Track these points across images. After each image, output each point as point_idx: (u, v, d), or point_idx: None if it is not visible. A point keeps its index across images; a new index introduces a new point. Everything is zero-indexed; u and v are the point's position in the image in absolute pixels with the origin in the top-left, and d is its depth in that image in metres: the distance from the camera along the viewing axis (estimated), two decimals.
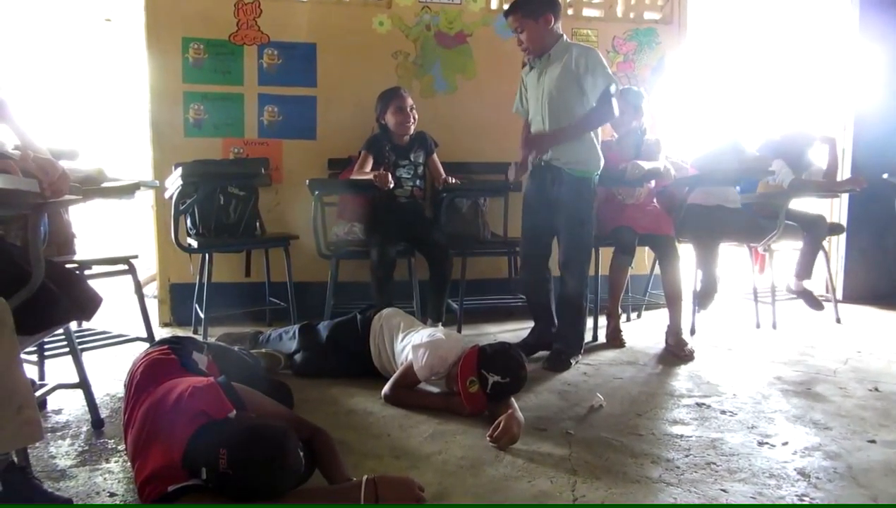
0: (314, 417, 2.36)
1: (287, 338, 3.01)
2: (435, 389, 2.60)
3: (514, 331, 3.75)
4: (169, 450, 1.58)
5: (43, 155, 1.75)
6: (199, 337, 3.18)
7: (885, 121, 4.79)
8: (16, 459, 1.63)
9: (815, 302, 4.09)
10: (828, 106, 5.08)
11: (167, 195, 3.49)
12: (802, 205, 4.23)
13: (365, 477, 1.62)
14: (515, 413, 2.27)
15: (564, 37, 3.19)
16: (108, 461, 2.00)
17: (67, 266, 2.43)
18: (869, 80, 4.85)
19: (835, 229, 4.36)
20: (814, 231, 3.98)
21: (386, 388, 2.57)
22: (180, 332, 3.71)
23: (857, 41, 4.90)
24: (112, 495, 1.78)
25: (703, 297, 3.72)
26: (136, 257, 3.00)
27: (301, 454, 1.57)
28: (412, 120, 3.65)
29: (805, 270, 4.07)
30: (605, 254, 3.60)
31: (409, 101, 3.65)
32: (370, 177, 3.39)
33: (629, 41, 4.53)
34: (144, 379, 1.89)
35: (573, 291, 3.14)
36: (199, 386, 1.75)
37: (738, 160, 3.84)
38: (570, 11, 4.44)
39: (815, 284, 4.71)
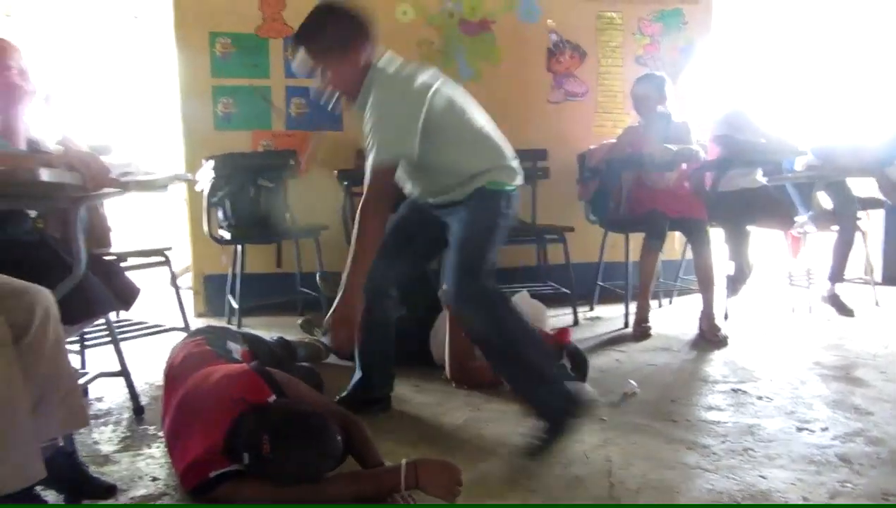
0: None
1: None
2: None
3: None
4: (209, 437, 1.61)
5: (83, 149, 1.78)
6: (234, 327, 3.23)
7: None
8: (62, 444, 1.68)
9: (844, 309, 3.78)
10: (870, 91, 4.94)
11: (199, 188, 3.54)
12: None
13: (405, 461, 1.63)
14: None
15: (378, 63, 2.12)
16: (149, 446, 2.04)
17: (105, 258, 2.49)
18: None
19: (874, 204, 4.15)
20: (843, 221, 3.80)
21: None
22: (214, 323, 3.77)
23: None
24: (154, 479, 1.82)
25: (735, 282, 3.67)
26: (170, 249, 3.05)
27: (339, 439, 1.59)
28: None
29: (838, 272, 3.81)
30: (636, 240, 3.57)
31: None
32: None
33: (655, 22, 4.47)
34: (180, 369, 1.93)
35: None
36: (235, 373, 1.79)
37: (757, 138, 3.72)
38: None
39: (853, 266, 4.62)
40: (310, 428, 1.55)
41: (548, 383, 1.97)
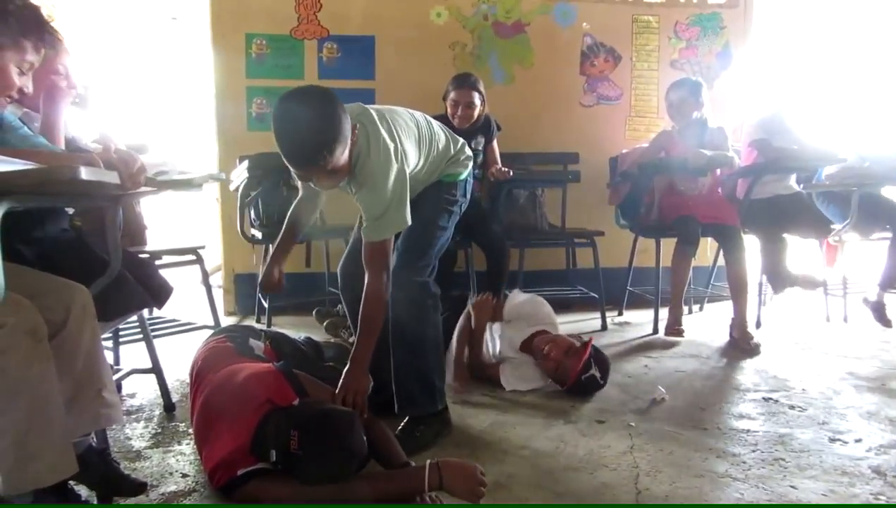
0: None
1: None
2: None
3: (574, 323, 3.71)
4: (237, 436, 1.64)
5: (121, 148, 1.82)
6: (258, 325, 3.26)
7: None
8: (94, 441, 1.71)
9: (884, 319, 3.61)
10: None
11: (233, 187, 3.59)
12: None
13: (429, 462, 1.63)
14: None
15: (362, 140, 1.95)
16: (179, 443, 2.08)
17: (140, 256, 2.53)
18: None
19: None
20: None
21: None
22: (245, 321, 3.83)
23: None
24: (184, 476, 1.85)
25: (775, 286, 3.60)
26: (203, 248, 3.10)
27: (365, 439, 1.60)
28: (466, 118, 3.46)
29: (890, 279, 3.59)
30: (667, 246, 3.52)
31: (472, 97, 3.44)
32: None
33: (692, 26, 4.41)
34: (205, 368, 1.96)
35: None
36: (261, 373, 1.81)
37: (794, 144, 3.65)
38: None
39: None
40: (338, 427, 1.56)
41: (430, 391, 2.13)
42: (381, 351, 2.19)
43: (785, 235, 3.64)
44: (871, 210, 3.57)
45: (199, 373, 1.97)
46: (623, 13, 4.33)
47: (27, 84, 1.59)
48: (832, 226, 3.64)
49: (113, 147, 1.68)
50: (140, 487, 1.65)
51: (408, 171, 2.02)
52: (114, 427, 2.09)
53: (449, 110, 3.51)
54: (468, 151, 2.35)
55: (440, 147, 2.23)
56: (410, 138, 2.10)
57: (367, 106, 2.04)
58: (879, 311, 3.62)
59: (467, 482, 1.62)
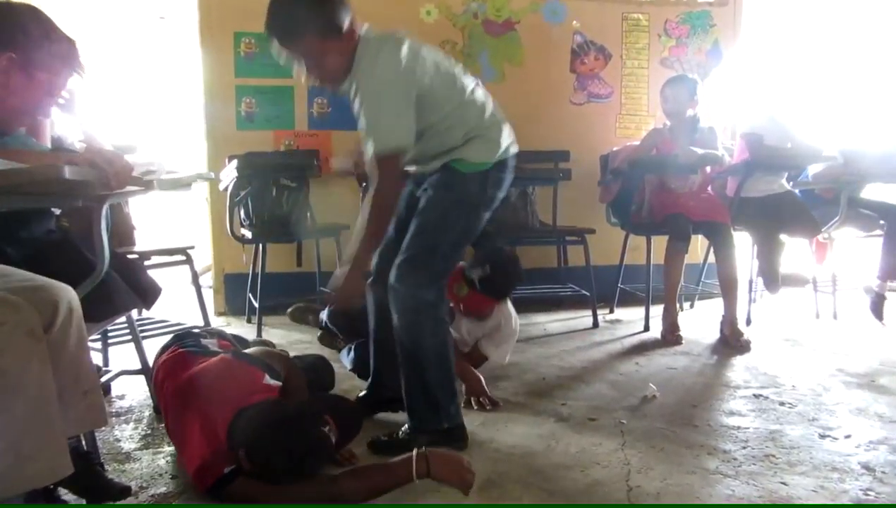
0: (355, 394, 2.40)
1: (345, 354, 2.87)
2: None
3: (565, 321, 3.72)
4: (214, 437, 1.64)
5: (106, 148, 1.81)
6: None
7: None
8: (84, 444, 1.69)
9: (879, 313, 3.66)
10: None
11: (222, 187, 3.58)
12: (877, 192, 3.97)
13: (415, 451, 1.63)
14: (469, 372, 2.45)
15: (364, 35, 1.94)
16: (169, 444, 2.06)
17: (128, 256, 2.52)
18: None
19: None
20: (892, 221, 3.72)
21: None
22: (234, 321, 3.81)
23: None
24: (174, 477, 1.84)
25: (771, 287, 3.63)
26: (192, 248, 3.08)
27: (327, 428, 1.60)
28: None
29: (890, 270, 3.64)
30: (658, 243, 3.53)
31: None
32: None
33: (682, 24, 4.42)
34: (166, 379, 1.94)
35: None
36: (221, 367, 1.84)
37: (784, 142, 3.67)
38: None
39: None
40: (283, 434, 1.56)
41: (434, 407, 1.99)
42: (381, 351, 2.19)
43: (779, 234, 3.66)
44: (860, 208, 3.61)
45: (162, 384, 1.94)
46: (613, 11, 4.34)
47: (51, 105, 1.66)
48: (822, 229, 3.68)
49: (98, 146, 1.66)
50: (123, 492, 1.64)
51: (427, 94, 1.90)
52: (102, 429, 2.08)
53: None
54: (506, 131, 2.06)
55: (477, 100, 2.01)
56: (442, 67, 1.96)
57: (401, 36, 1.91)
58: (878, 303, 3.67)
59: (454, 472, 1.61)
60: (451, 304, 2.47)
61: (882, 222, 3.73)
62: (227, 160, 3.63)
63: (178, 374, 1.89)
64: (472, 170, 1.99)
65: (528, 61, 4.25)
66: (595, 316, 3.68)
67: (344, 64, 1.90)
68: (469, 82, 2.03)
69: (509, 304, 2.76)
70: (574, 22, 4.29)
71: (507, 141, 2.06)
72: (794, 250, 4.16)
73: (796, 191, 3.88)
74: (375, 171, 1.89)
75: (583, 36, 4.32)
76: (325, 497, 1.59)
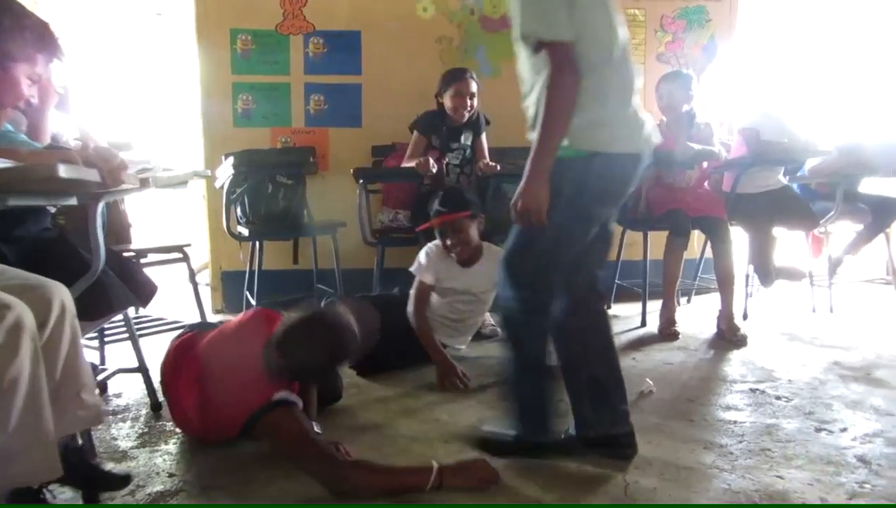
0: (363, 402, 2.41)
1: None
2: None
3: None
4: (252, 370, 1.74)
5: (101, 145, 1.80)
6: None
7: None
8: (80, 442, 1.69)
9: (833, 273, 3.91)
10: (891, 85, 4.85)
11: (218, 185, 3.57)
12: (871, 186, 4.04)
13: (436, 466, 1.68)
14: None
15: None
16: (166, 442, 2.07)
17: (124, 254, 2.52)
18: None
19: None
20: (883, 216, 3.81)
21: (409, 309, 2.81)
22: (231, 319, 3.80)
23: None
24: (171, 476, 1.84)
25: (764, 280, 3.65)
26: (189, 246, 3.08)
27: (350, 329, 1.74)
28: (469, 108, 3.51)
29: (854, 248, 3.92)
30: (655, 238, 3.53)
31: (473, 88, 3.49)
32: (412, 165, 3.39)
33: (678, 19, 4.42)
34: (181, 357, 1.99)
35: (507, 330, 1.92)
36: (244, 320, 1.95)
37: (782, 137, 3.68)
38: None
39: (876, 267, 4.56)
40: (306, 330, 1.72)
41: (599, 411, 1.86)
42: (571, 384, 1.93)
43: (774, 229, 3.68)
44: (856, 202, 3.64)
45: (176, 365, 1.98)
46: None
47: (34, 94, 1.66)
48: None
49: (92, 144, 1.66)
50: (123, 480, 1.63)
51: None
52: (99, 427, 2.08)
53: (450, 103, 3.48)
54: (644, 117, 1.85)
55: (626, 67, 1.79)
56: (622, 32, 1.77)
57: None
58: (835, 265, 3.93)
59: (470, 477, 1.69)
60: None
61: (872, 216, 3.80)
62: (223, 157, 3.62)
63: (196, 344, 1.96)
64: (566, 156, 1.76)
65: None
66: None
67: None
68: (623, 43, 1.79)
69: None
70: None
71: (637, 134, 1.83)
72: (791, 244, 4.19)
73: (794, 185, 3.89)
74: (547, 63, 1.69)
75: None
76: (340, 473, 1.65)
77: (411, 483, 1.67)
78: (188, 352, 1.97)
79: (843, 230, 4.01)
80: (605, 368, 1.89)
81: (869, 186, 4.02)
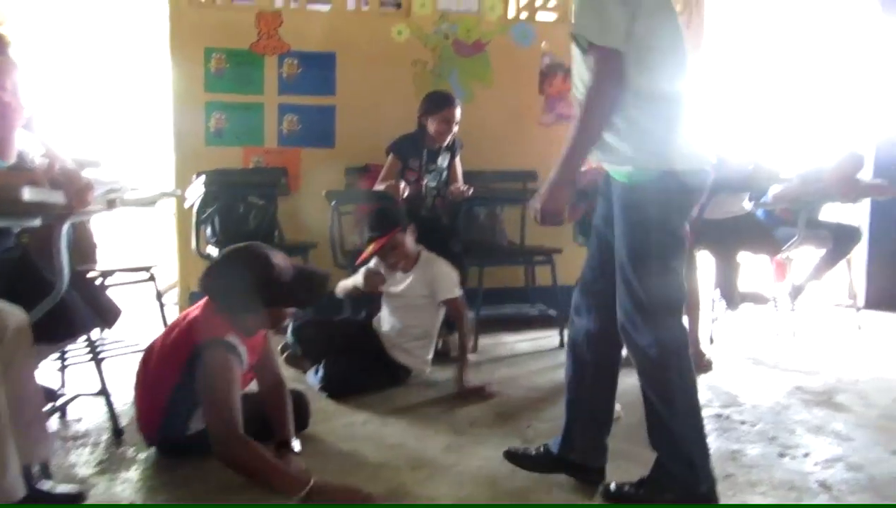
0: (331, 428, 2.38)
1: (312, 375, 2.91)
2: None
3: (533, 340, 3.74)
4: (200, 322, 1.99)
5: (67, 164, 1.78)
6: None
7: None
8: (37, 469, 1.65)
9: (794, 297, 3.99)
10: (851, 112, 5.01)
11: (188, 204, 3.53)
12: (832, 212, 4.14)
13: (313, 481, 1.73)
14: None
15: None
16: (127, 469, 2.02)
17: (90, 275, 2.47)
18: (892, 86, 4.78)
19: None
20: (844, 242, 3.92)
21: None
22: None
23: (880, 44, 4.83)
24: (131, 505, 1.80)
25: (730, 304, 3.71)
26: (156, 266, 3.03)
27: (283, 261, 2.00)
28: (448, 134, 3.53)
29: (817, 273, 4.01)
30: None
31: (458, 114, 3.52)
32: (382, 188, 3.40)
33: None
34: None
35: (644, 378, 1.84)
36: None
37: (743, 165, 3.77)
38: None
39: (838, 291, 4.66)
40: (234, 252, 2.03)
41: (688, 467, 1.77)
42: (574, 410, 1.95)
43: (738, 254, 3.75)
44: (817, 228, 3.73)
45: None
46: (560, 32, 4.40)
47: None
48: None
49: (59, 164, 1.64)
50: (77, 498, 1.59)
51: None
52: (56, 453, 2.03)
53: (435, 128, 3.49)
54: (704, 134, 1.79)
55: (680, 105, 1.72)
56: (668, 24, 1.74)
57: None
58: (796, 292, 4.00)
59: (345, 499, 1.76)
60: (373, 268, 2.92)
61: (833, 242, 3.91)
62: (194, 176, 3.59)
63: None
64: (641, 181, 1.72)
65: (498, 82, 4.30)
66: (562, 335, 3.69)
67: None
68: (684, 75, 1.74)
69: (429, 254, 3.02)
70: (542, 44, 4.36)
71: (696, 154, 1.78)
72: (755, 269, 4.27)
73: (758, 211, 3.98)
74: (591, 67, 1.68)
75: (551, 57, 4.38)
76: (229, 438, 1.74)
77: (280, 487, 1.72)
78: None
79: (805, 255, 4.11)
80: (606, 404, 1.96)
81: (829, 213, 4.12)
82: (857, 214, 4.67)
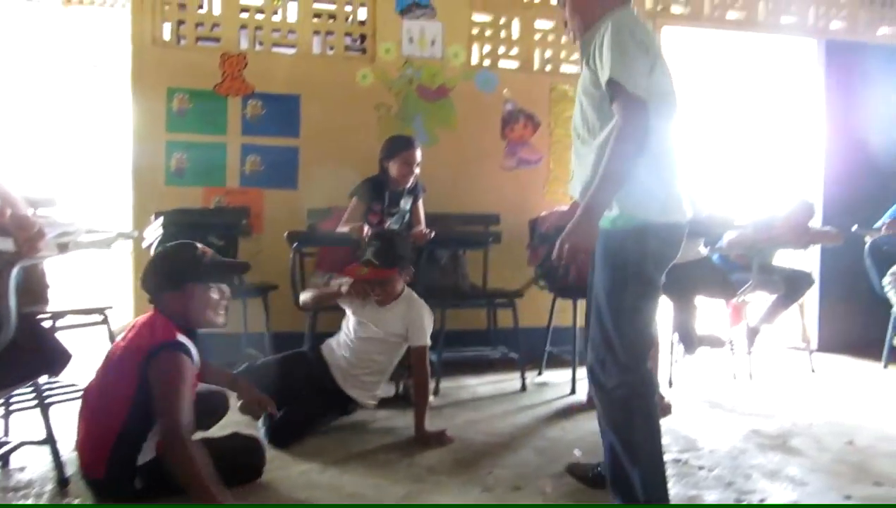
0: (286, 476, 2.33)
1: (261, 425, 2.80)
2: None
3: (495, 383, 3.73)
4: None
5: (19, 208, 1.74)
6: None
7: (852, 175, 4.91)
8: None
9: (751, 340, 4.14)
10: (797, 161, 5.20)
11: (145, 245, 3.47)
12: (785, 258, 4.29)
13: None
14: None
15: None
16: None
17: (40, 316, 2.40)
18: (836, 135, 4.99)
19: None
20: (796, 287, 4.05)
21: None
22: None
23: (823, 96, 5.05)
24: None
25: (688, 347, 3.77)
26: (110, 308, 2.97)
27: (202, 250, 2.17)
28: (410, 176, 3.59)
29: (770, 317, 4.16)
30: (583, 306, 3.61)
31: (418, 156, 3.59)
32: (346, 230, 3.40)
33: None
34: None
35: (607, 421, 1.95)
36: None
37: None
38: (548, 68, 4.57)
39: (791, 334, 4.78)
40: (164, 249, 2.25)
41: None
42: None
43: (695, 298, 3.82)
44: (770, 274, 3.84)
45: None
46: (541, 82, 4.54)
47: None
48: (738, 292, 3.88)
49: (9, 211, 1.60)
50: None
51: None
52: None
53: (397, 170, 3.54)
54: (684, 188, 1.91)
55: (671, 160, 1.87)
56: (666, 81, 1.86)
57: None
58: (752, 334, 4.15)
59: None
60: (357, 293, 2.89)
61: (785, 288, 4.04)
62: (153, 216, 3.54)
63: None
64: (627, 226, 1.85)
65: (461, 126, 4.37)
66: (523, 378, 3.70)
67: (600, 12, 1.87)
68: (674, 125, 1.89)
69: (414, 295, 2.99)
70: (504, 91, 4.46)
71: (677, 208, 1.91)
72: (711, 312, 4.36)
73: (714, 256, 4.09)
74: (620, 112, 1.74)
75: (513, 104, 4.48)
76: (177, 440, 1.82)
77: (206, 499, 1.76)
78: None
79: (760, 299, 4.21)
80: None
81: (782, 259, 4.25)
82: (808, 260, 4.82)
